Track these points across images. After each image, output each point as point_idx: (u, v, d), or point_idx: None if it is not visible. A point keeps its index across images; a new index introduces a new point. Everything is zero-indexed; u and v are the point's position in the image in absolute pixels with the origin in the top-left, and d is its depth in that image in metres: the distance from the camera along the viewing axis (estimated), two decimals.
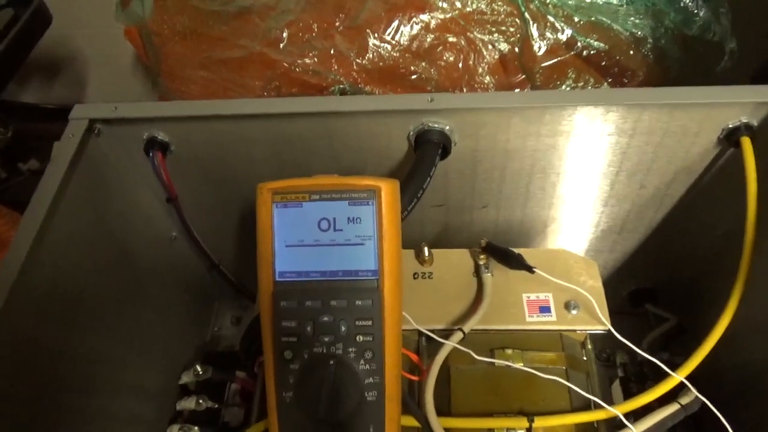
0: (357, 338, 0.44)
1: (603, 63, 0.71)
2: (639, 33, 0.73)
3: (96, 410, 0.60)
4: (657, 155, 0.58)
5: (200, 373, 0.71)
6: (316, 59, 0.66)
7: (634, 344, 0.70)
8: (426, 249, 0.59)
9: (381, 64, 0.66)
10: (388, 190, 0.44)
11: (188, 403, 0.70)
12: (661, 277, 0.77)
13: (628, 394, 0.67)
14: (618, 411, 0.49)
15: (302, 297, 0.44)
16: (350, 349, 0.44)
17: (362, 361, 0.44)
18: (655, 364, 0.73)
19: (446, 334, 0.53)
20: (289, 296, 0.44)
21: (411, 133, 0.56)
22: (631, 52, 0.72)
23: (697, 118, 0.53)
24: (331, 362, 0.44)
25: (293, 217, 0.45)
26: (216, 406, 0.69)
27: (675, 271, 0.74)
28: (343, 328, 0.44)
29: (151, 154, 0.59)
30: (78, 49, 1.22)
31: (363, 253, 0.44)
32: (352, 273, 0.44)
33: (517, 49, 0.65)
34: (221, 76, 0.77)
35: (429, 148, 0.55)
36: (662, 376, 0.71)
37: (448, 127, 0.55)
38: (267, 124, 0.57)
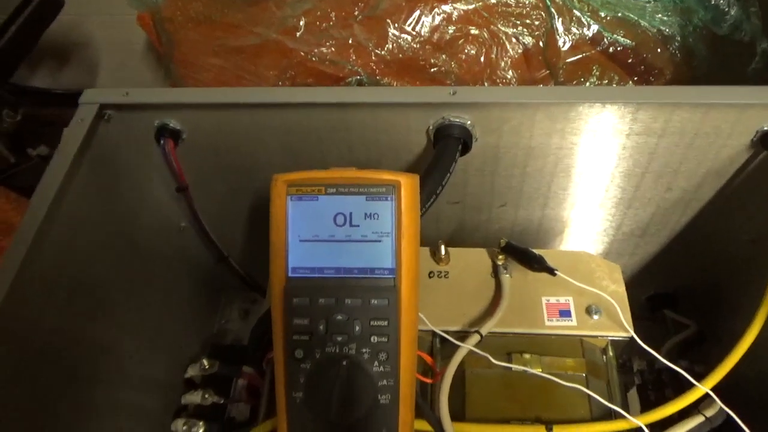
0: (371, 339, 0.42)
1: (629, 60, 0.68)
2: (667, 30, 0.71)
3: (100, 400, 0.59)
4: (686, 157, 0.55)
5: (207, 367, 0.69)
6: (333, 49, 0.64)
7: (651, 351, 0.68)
8: (443, 247, 0.57)
9: (400, 55, 0.64)
10: (408, 186, 0.42)
11: (194, 398, 0.68)
12: (682, 282, 0.75)
13: (645, 402, 0.65)
14: (640, 422, 0.47)
15: (315, 294, 0.43)
16: (364, 350, 0.42)
17: (376, 363, 0.42)
18: (675, 371, 0.71)
19: (462, 336, 0.52)
20: (302, 293, 0.43)
21: (431, 127, 0.54)
22: (659, 50, 0.70)
23: (731, 120, 0.51)
24: (344, 363, 0.42)
25: (308, 210, 0.43)
26: (222, 401, 0.68)
27: (696, 277, 0.71)
28: (357, 328, 0.42)
29: (162, 142, 0.58)
30: (90, 34, 1.21)
31: (380, 250, 0.42)
32: (367, 271, 0.42)
33: (541, 44, 0.63)
34: (235, 64, 0.75)
35: (449, 144, 0.53)
36: (682, 385, 0.69)
37: (469, 122, 0.53)
38: (282, 114, 0.55)
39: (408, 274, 0.42)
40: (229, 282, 0.83)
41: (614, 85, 0.69)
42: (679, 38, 0.71)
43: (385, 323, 0.42)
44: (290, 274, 0.43)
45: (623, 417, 0.48)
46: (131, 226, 0.63)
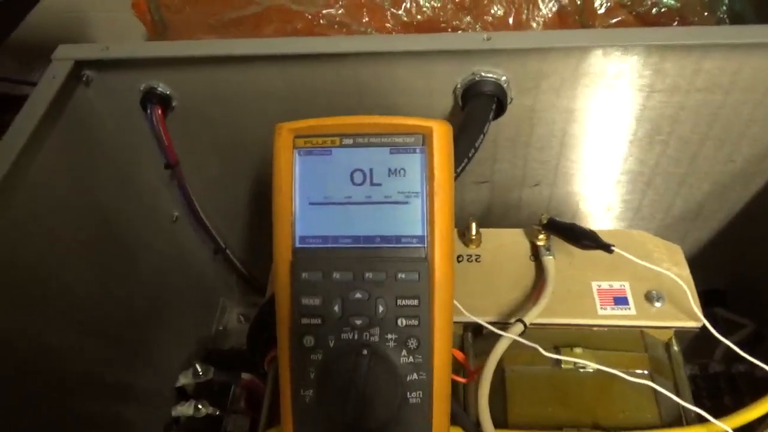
0: (398, 322, 0.34)
1: (674, 24, 0.61)
2: None
3: (78, 413, 0.51)
4: (754, 118, 0.48)
5: (200, 374, 0.61)
6: (343, 10, 0.57)
7: (703, 354, 0.60)
8: (474, 226, 0.49)
9: (419, 16, 0.56)
10: (442, 134, 0.34)
11: (186, 409, 0.60)
12: (736, 275, 0.66)
13: None
14: (728, 426, 0.38)
15: (328, 268, 0.35)
16: (389, 336, 0.34)
17: (404, 352, 0.34)
18: (730, 377, 0.62)
19: (500, 328, 0.43)
20: (312, 267, 0.35)
21: (458, 86, 0.47)
22: (705, 14, 0.63)
23: None
24: (365, 352, 0.34)
25: (320, 167, 0.35)
26: (217, 412, 0.59)
27: (755, 268, 0.63)
28: (380, 309, 0.34)
29: (149, 110, 0.50)
30: (89, 30, 1.15)
31: (407, 213, 0.34)
32: (392, 239, 0.35)
33: (578, 1, 0.56)
34: (233, 38, 0.68)
35: (482, 101, 0.45)
36: (741, 391, 0.60)
37: (504, 78, 0.46)
38: (285, 73, 0.48)
39: (442, 243, 0.34)
40: (227, 283, 0.75)
41: None
42: (726, 1, 0.64)
43: (415, 302, 0.34)
44: (298, 245, 0.35)
45: (702, 421, 0.39)
46: (114, 212, 0.55)
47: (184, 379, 0.62)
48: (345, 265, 0.35)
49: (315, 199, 0.35)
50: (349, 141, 0.35)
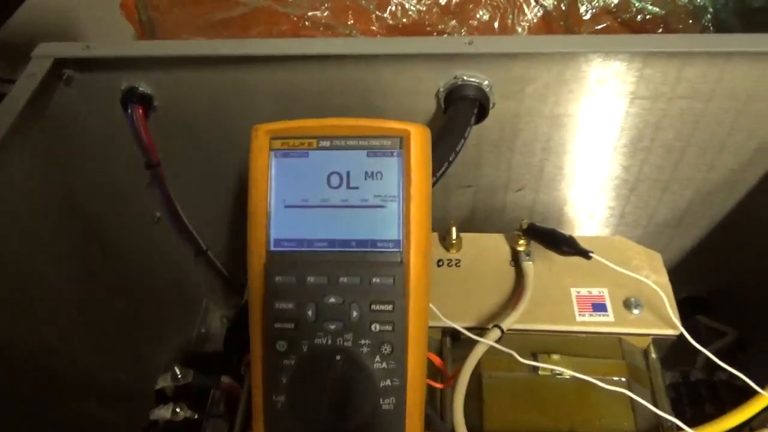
0: (372, 327, 0.34)
1: (658, 31, 0.61)
2: (699, 1, 0.64)
3: (53, 415, 0.50)
4: (736, 127, 0.48)
5: (179, 377, 0.60)
6: (328, 12, 0.56)
7: (685, 362, 0.59)
8: (454, 231, 0.49)
9: (404, 19, 0.56)
10: (420, 137, 0.34)
11: (164, 412, 0.59)
12: (718, 283, 0.67)
13: (682, 421, 0.57)
14: None
15: (303, 272, 0.34)
16: (363, 341, 0.34)
17: (378, 358, 0.34)
18: (711, 385, 0.62)
19: (478, 333, 0.43)
20: (286, 270, 0.34)
21: (441, 89, 0.47)
22: (690, 22, 0.63)
23: None
24: (338, 357, 0.34)
25: (296, 169, 0.35)
26: (196, 416, 0.59)
27: (738, 276, 0.63)
28: (354, 314, 0.34)
29: (129, 109, 0.50)
30: (78, 30, 1.14)
31: (384, 217, 0.34)
32: (368, 243, 0.34)
33: (564, 6, 0.56)
34: (222, 38, 0.68)
35: (463, 105, 0.45)
36: (722, 399, 0.60)
37: (486, 82, 0.46)
38: (269, 75, 0.47)
39: (418, 248, 0.34)
40: (210, 285, 0.75)
41: None
42: (711, 10, 0.64)
43: (390, 308, 0.34)
44: (272, 248, 0.35)
45: (679, 430, 0.39)
46: (94, 215, 0.55)
47: (163, 382, 0.61)
48: (319, 269, 0.34)
49: (291, 201, 0.35)
50: (326, 143, 0.35)
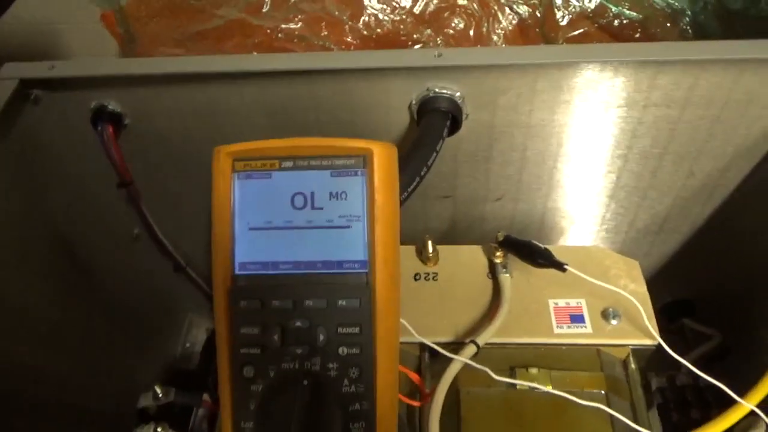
0: (340, 350, 0.33)
1: (636, 36, 0.61)
2: (676, 4, 0.64)
3: None
4: (712, 133, 0.48)
5: (160, 395, 0.59)
6: (301, 24, 0.56)
7: (671, 366, 0.59)
8: (430, 244, 0.48)
9: (378, 29, 0.56)
10: (383, 156, 0.34)
11: None
12: (701, 287, 0.66)
13: (667, 425, 0.56)
14: None
15: (268, 295, 0.34)
16: (330, 365, 0.33)
17: (346, 381, 0.33)
18: (698, 389, 0.62)
19: (455, 348, 0.43)
20: (251, 294, 0.34)
21: (413, 102, 0.46)
22: (668, 25, 0.63)
23: None
24: (305, 382, 0.33)
25: (259, 191, 0.34)
26: None
27: (720, 280, 0.63)
28: (321, 337, 0.33)
29: (99, 128, 0.49)
30: (60, 42, 1.13)
31: (349, 238, 0.34)
32: (334, 264, 0.34)
33: (538, 14, 0.56)
34: (197, 51, 0.67)
35: (435, 117, 0.45)
36: (708, 404, 0.60)
37: (458, 94, 0.45)
38: (241, 90, 0.47)
39: (385, 268, 0.33)
40: (194, 300, 0.74)
41: None
42: (689, 13, 0.63)
43: (356, 330, 0.33)
44: (237, 271, 0.34)
45: None
46: (68, 235, 0.54)
47: (145, 401, 0.61)
48: (284, 292, 0.34)
49: (255, 224, 0.35)
50: (289, 164, 0.34)
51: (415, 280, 0.48)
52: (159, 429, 0.57)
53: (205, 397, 0.59)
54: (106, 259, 0.59)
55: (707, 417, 0.57)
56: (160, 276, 0.68)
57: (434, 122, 0.44)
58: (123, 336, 0.64)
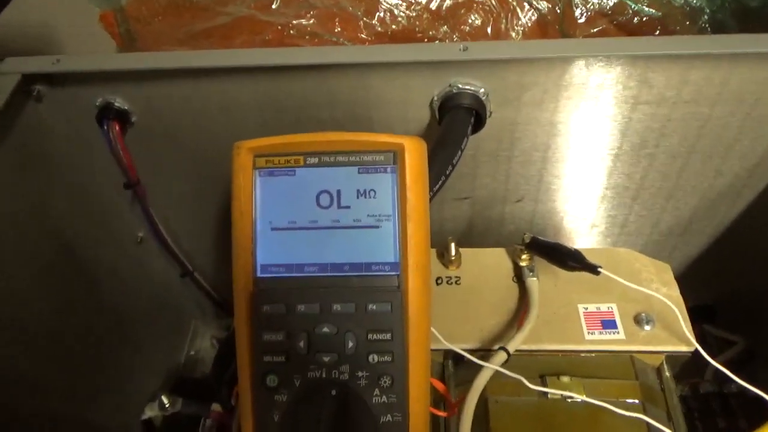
0: (370, 358, 0.31)
1: (656, 33, 0.59)
2: (695, 2, 0.62)
3: None
4: (743, 131, 0.46)
5: (167, 405, 0.57)
6: (314, 20, 0.54)
7: (693, 373, 0.57)
8: (453, 246, 0.46)
9: (393, 26, 0.54)
10: (415, 151, 0.32)
11: None
12: (724, 290, 0.64)
13: None
14: None
15: (292, 300, 0.32)
16: (360, 374, 0.31)
17: (377, 391, 0.31)
18: (723, 397, 0.60)
19: (482, 355, 0.41)
20: (275, 298, 0.32)
21: (435, 98, 0.44)
22: (687, 23, 0.61)
23: None
24: (333, 392, 0.31)
25: (282, 189, 0.33)
26: None
27: (744, 284, 0.61)
28: (350, 344, 0.31)
29: (105, 126, 0.47)
30: (59, 43, 1.11)
31: (379, 239, 0.32)
32: (362, 267, 0.32)
33: (558, 9, 0.54)
34: (204, 49, 0.65)
35: (459, 115, 0.43)
36: (734, 412, 0.58)
37: (482, 90, 0.43)
38: (252, 86, 0.45)
39: (417, 270, 0.32)
40: (199, 305, 0.72)
41: None
42: (708, 11, 0.62)
43: (388, 336, 0.31)
44: (259, 274, 0.32)
45: None
46: (72, 238, 0.51)
47: (151, 412, 0.59)
48: (310, 296, 0.32)
49: (278, 224, 0.33)
50: (314, 160, 0.32)
51: (437, 284, 0.46)
52: None
53: (214, 407, 0.57)
54: (109, 263, 0.57)
55: (734, 426, 0.55)
56: (164, 281, 0.65)
57: (458, 119, 0.42)
58: (126, 344, 0.61)
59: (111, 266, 0.58)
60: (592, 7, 0.58)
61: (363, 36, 0.53)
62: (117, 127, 0.47)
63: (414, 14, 0.54)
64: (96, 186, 0.53)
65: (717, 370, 0.62)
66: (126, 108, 0.47)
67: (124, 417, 0.60)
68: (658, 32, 0.60)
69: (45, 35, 0.99)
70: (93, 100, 0.46)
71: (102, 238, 0.56)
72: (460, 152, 0.41)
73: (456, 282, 0.46)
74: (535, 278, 0.44)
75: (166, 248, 0.58)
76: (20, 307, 0.45)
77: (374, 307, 0.31)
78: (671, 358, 0.43)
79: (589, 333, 0.42)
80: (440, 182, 0.40)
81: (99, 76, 0.44)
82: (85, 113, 0.47)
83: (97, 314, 0.56)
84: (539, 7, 0.53)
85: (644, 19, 0.59)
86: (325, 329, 0.31)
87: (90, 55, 0.43)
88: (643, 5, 0.59)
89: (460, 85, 0.43)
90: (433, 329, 0.40)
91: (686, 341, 0.41)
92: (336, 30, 0.54)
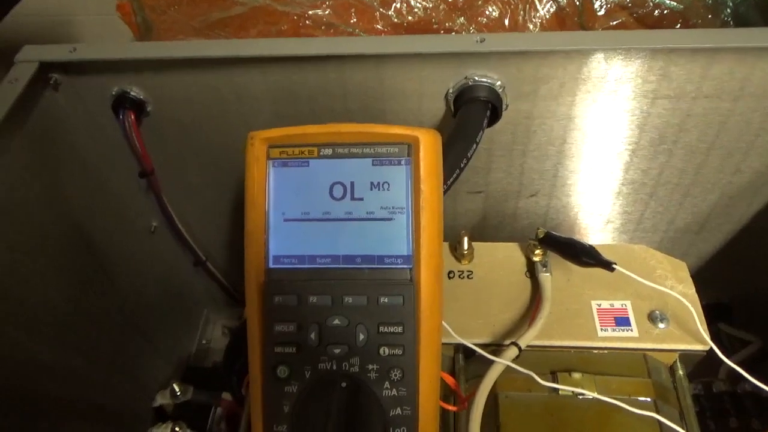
0: (381, 351, 0.31)
1: (677, 26, 0.58)
2: None
3: None
4: (764, 127, 0.45)
5: (178, 393, 0.58)
6: (330, 10, 0.54)
7: (705, 372, 0.56)
8: (466, 240, 0.46)
9: (410, 17, 0.54)
10: (430, 144, 0.31)
11: (162, 431, 0.57)
12: (740, 288, 0.64)
13: None
14: None
15: (304, 291, 0.32)
16: (370, 366, 0.31)
17: (387, 384, 0.31)
18: (736, 396, 0.59)
19: (493, 350, 0.40)
20: (286, 289, 0.32)
21: (450, 90, 0.44)
22: (709, 16, 0.60)
23: None
24: (343, 384, 0.31)
25: (296, 180, 0.32)
26: None
27: (760, 283, 0.60)
28: (361, 336, 0.31)
29: (121, 115, 0.47)
30: (76, 33, 1.12)
31: (391, 231, 0.32)
32: (375, 259, 0.32)
33: (577, 2, 0.53)
34: (219, 39, 0.65)
35: (475, 107, 0.42)
36: (747, 411, 0.57)
37: (499, 83, 0.43)
38: (267, 76, 0.45)
39: (429, 264, 0.31)
40: (211, 295, 0.72)
41: None
42: (731, 4, 0.61)
43: (399, 329, 0.31)
44: (271, 265, 0.32)
45: None
46: (86, 226, 0.52)
47: (162, 399, 0.59)
48: (322, 287, 0.32)
49: (290, 214, 0.32)
50: (328, 151, 0.32)
51: (449, 278, 0.46)
52: (177, 428, 0.55)
53: (225, 396, 0.58)
54: (123, 252, 0.57)
55: (747, 425, 0.55)
56: (176, 271, 0.66)
57: (474, 112, 0.42)
58: (138, 332, 0.62)
59: (124, 255, 0.58)
60: None
61: (379, 27, 0.53)
62: (132, 117, 0.47)
63: (431, 5, 0.53)
64: (111, 175, 0.53)
65: (731, 369, 0.61)
66: (142, 97, 0.47)
67: (136, 404, 0.61)
68: (678, 26, 0.59)
69: (62, 24, 0.99)
70: (109, 89, 0.47)
71: (116, 227, 0.56)
72: (475, 145, 0.41)
73: (468, 276, 0.46)
74: (548, 273, 0.44)
75: (180, 238, 0.58)
76: (34, 295, 0.46)
77: (386, 300, 0.31)
78: (685, 356, 0.43)
79: (602, 330, 0.42)
80: (454, 175, 0.40)
81: (115, 66, 0.45)
82: (101, 102, 0.47)
83: (110, 303, 0.56)
84: None
85: (665, 12, 0.58)
86: (337, 321, 0.31)
87: (106, 44, 0.43)
88: None
89: (477, 77, 0.43)
90: (444, 323, 0.40)
91: (701, 340, 0.41)
92: (352, 21, 0.53)
